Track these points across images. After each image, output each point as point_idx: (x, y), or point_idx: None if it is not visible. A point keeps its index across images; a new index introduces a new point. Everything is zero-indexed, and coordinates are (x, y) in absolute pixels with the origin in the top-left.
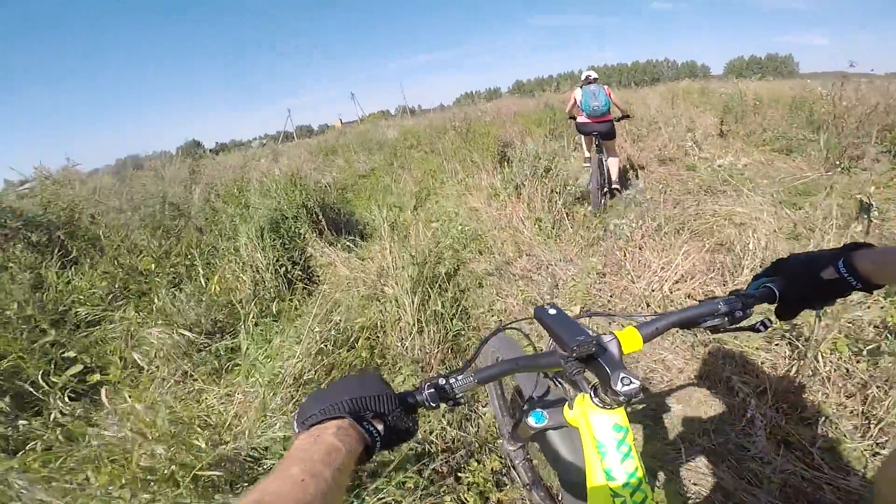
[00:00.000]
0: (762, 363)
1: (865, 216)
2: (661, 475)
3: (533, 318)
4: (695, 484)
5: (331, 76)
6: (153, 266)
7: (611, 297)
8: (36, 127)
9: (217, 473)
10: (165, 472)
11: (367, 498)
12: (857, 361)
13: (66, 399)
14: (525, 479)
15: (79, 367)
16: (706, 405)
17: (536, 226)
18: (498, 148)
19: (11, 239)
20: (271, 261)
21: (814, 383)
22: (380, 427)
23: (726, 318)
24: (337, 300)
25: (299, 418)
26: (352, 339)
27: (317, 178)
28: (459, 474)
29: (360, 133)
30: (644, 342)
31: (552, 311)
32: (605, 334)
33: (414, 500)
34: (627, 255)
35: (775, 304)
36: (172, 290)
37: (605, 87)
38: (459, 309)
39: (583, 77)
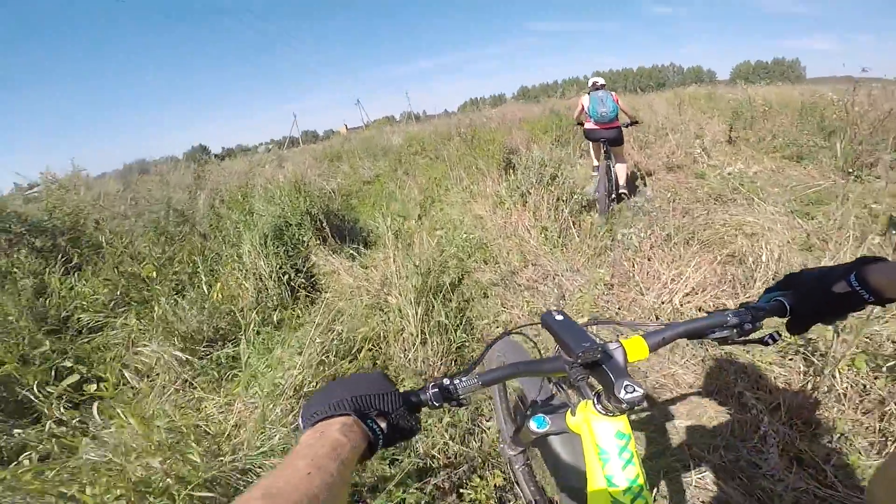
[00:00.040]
0: (776, 378)
1: (894, 231)
2: (668, 490)
3: (539, 323)
4: (702, 501)
5: (336, 81)
6: (155, 274)
7: (619, 308)
8: (46, 132)
9: (210, 495)
10: (161, 485)
11: None
12: (875, 377)
13: (63, 408)
14: (523, 484)
15: (75, 378)
16: (717, 420)
17: (542, 235)
18: (503, 155)
19: (16, 244)
20: (274, 268)
21: (829, 399)
22: (383, 425)
23: (735, 331)
24: (340, 309)
25: (305, 414)
26: (354, 349)
27: (321, 184)
28: (462, 490)
29: (365, 139)
30: (650, 351)
31: (559, 317)
32: (611, 342)
33: None
34: (636, 265)
35: (786, 319)
36: (175, 297)
37: (613, 93)
38: (464, 320)
39: (590, 83)
